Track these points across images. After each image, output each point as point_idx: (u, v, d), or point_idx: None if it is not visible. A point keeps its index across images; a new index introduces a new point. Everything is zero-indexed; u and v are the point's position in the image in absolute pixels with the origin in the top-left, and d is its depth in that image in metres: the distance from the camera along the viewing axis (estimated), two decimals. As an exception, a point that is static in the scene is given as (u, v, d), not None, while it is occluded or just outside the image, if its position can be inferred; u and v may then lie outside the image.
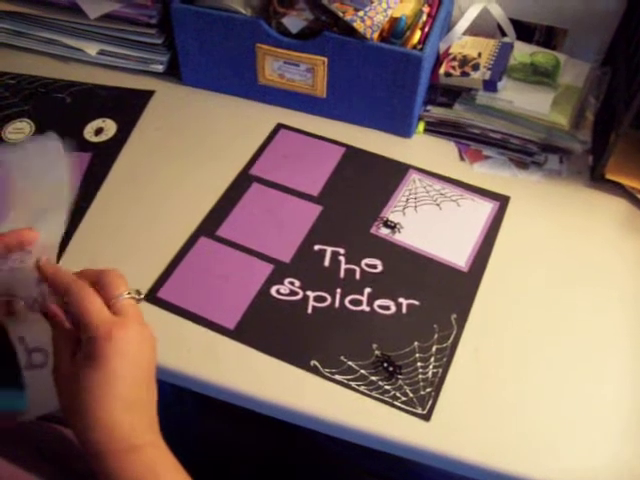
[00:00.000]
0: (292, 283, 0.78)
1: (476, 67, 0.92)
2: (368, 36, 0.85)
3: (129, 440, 0.49)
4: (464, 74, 0.92)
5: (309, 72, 0.92)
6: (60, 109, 0.98)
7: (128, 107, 0.99)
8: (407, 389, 0.69)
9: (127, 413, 0.50)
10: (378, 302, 0.77)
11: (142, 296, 0.57)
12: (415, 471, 1.08)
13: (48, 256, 0.56)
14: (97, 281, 0.55)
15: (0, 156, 0.58)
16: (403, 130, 0.95)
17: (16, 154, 0.57)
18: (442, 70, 0.93)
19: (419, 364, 0.71)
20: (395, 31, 0.87)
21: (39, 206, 0.57)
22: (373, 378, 0.70)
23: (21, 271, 0.56)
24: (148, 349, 0.53)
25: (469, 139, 0.94)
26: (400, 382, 0.70)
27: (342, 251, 0.82)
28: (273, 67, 0.94)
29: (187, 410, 1.11)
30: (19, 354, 0.55)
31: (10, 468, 0.49)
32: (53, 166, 0.57)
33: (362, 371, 0.71)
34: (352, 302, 0.77)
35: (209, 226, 0.84)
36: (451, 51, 0.96)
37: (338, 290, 0.78)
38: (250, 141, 0.95)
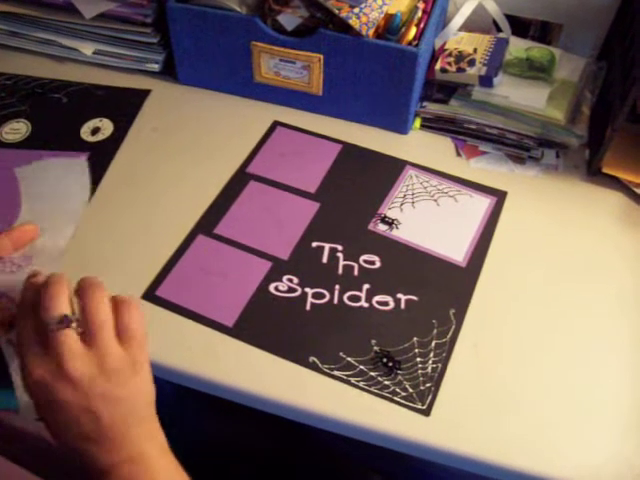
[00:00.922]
0: (290, 280, 0.78)
1: (472, 63, 0.92)
2: (363, 33, 0.85)
3: (92, 465, 0.50)
4: (460, 70, 0.92)
5: (305, 69, 0.92)
6: (57, 109, 0.98)
7: (124, 106, 0.99)
8: (406, 384, 0.69)
9: (79, 442, 0.50)
10: (377, 298, 0.77)
11: (73, 322, 0.51)
12: (417, 467, 1.08)
13: (50, 266, 0.57)
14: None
15: (26, 167, 0.59)
16: (399, 126, 0.95)
17: (42, 165, 0.59)
18: (438, 66, 0.93)
19: (418, 359, 0.71)
20: (390, 27, 0.87)
21: (52, 215, 0.58)
22: (372, 374, 0.70)
23: (18, 275, 0.57)
24: (61, 388, 0.50)
25: (465, 135, 0.94)
26: (399, 377, 0.70)
27: (340, 248, 0.82)
28: (269, 65, 0.94)
29: (187, 409, 1.11)
30: (7, 356, 0.55)
31: (7, 465, 0.49)
32: (75, 183, 0.59)
33: (361, 367, 0.71)
34: (351, 298, 0.77)
35: (206, 224, 0.84)
36: (447, 47, 0.96)
37: (336, 286, 0.78)
38: (247, 139, 0.95)
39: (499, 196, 0.88)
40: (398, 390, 0.69)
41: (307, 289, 0.77)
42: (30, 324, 0.51)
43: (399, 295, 0.77)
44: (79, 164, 0.60)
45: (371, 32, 0.86)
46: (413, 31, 0.89)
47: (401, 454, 0.70)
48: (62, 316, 0.50)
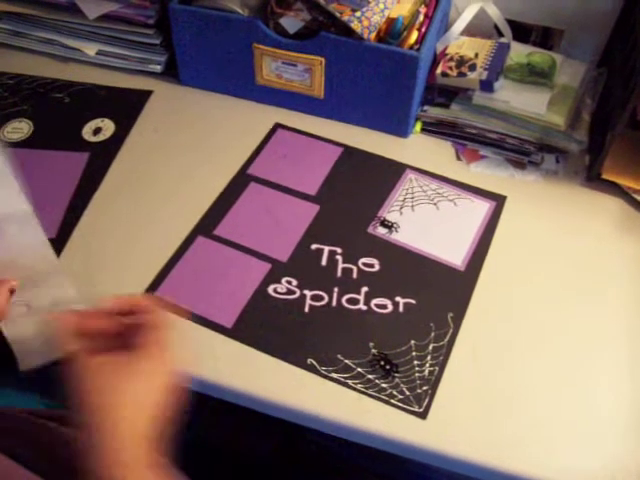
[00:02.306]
0: (289, 282, 0.78)
1: (473, 67, 0.93)
2: (365, 36, 0.86)
3: (149, 456, 0.48)
4: (461, 74, 0.92)
5: (307, 72, 0.92)
6: (59, 109, 0.99)
7: (126, 107, 0.99)
8: (404, 387, 0.70)
9: (152, 427, 0.49)
10: (375, 301, 0.77)
11: None
12: (414, 471, 1.08)
13: (43, 252, 0.55)
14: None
15: None
16: (400, 130, 0.95)
17: None
18: (439, 70, 0.93)
19: (416, 362, 0.72)
20: (392, 31, 0.87)
21: None
22: (370, 376, 0.70)
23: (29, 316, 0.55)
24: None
25: (466, 139, 0.94)
26: (397, 380, 0.70)
27: (339, 250, 0.82)
28: (271, 67, 0.94)
29: (184, 410, 1.11)
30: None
31: (6, 462, 0.49)
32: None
33: (359, 369, 0.71)
34: (349, 301, 0.77)
35: (207, 225, 0.84)
36: (448, 51, 0.96)
37: (335, 289, 0.78)
38: (248, 141, 0.95)
39: (498, 201, 0.88)
40: (395, 393, 0.69)
41: (306, 291, 0.78)
42: None
43: (397, 298, 0.77)
44: None
45: (372, 36, 0.87)
46: (415, 35, 0.89)
47: (401, 458, 0.70)
48: None
